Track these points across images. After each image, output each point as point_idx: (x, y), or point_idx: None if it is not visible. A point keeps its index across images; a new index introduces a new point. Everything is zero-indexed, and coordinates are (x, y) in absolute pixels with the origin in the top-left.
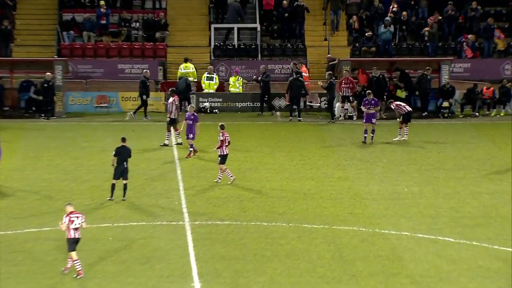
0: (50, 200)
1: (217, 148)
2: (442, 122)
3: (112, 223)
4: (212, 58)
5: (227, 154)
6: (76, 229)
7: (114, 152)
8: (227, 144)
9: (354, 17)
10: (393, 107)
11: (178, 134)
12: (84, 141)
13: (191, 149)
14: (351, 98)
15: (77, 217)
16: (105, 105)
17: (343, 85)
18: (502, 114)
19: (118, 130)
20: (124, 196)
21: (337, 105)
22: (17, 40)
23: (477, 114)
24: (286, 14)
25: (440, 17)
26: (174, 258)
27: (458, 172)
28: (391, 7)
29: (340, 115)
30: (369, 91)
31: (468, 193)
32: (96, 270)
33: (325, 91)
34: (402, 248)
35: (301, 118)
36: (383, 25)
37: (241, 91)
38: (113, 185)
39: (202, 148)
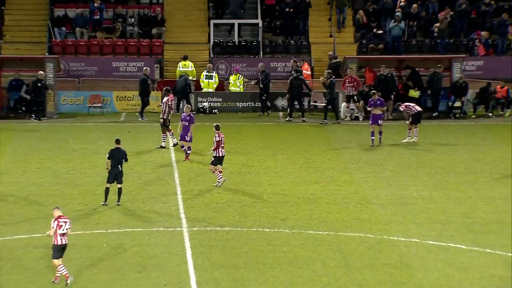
0: (40, 205)
1: (214, 149)
2: (453, 123)
3: (106, 229)
4: (212, 55)
5: (223, 156)
6: (63, 234)
7: (108, 155)
8: (223, 145)
9: (361, 11)
10: (402, 109)
11: (172, 135)
12: (76, 143)
13: (189, 151)
14: (355, 97)
15: (65, 222)
16: (99, 105)
17: (347, 84)
18: None
19: (112, 132)
20: (118, 201)
21: (343, 106)
22: (6, 36)
23: (490, 114)
24: (289, 9)
25: (452, 12)
26: (171, 266)
27: (470, 175)
28: (398, 1)
29: (346, 116)
30: (374, 91)
31: (480, 198)
32: (89, 279)
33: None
34: (411, 256)
35: (305, 118)
36: (392, 21)
37: (241, 90)
38: (107, 190)
39: (201, 150)
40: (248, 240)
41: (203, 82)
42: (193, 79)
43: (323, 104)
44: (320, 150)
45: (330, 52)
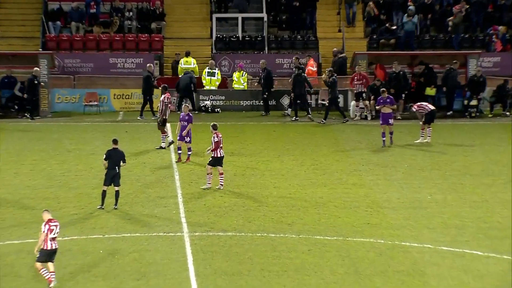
0: (33, 209)
1: (212, 150)
2: (469, 122)
3: (102, 234)
4: (214, 51)
5: (223, 157)
6: (53, 239)
7: (104, 156)
8: (221, 145)
9: (371, 3)
10: (415, 110)
11: (165, 137)
12: (71, 143)
13: (180, 151)
14: (364, 95)
15: (56, 225)
16: (95, 103)
17: (355, 82)
18: None
19: (109, 132)
20: (115, 204)
21: (352, 104)
22: None
23: (508, 113)
24: (296, 3)
25: (467, 6)
26: (171, 273)
27: (486, 178)
28: None
29: (356, 115)
30: (384, 88)
31: (497, 202)
32: (85, 286)
33: (339, 90)
34: (424, 263)
35: (311, 115)
36: (405, 15)
37: (245, 88)
38: (103, 192)
39: (202, 151)
40: (252, 245)
41: (205, 79)
42: (195, 76)
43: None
44: (328, 151)
45: (335, 48)
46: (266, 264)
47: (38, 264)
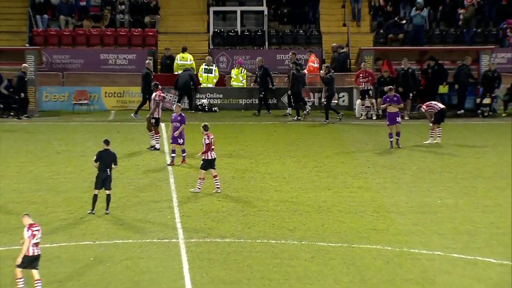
0: (20, 214)
1: (203, 153)
2: (481, 122)
3: (93, 241)
4: (211, 47)
5: (213, 159)
6: (36, 244)
7: (95, 157)
8: (213, 147)
9: None
10: (424, 110)
11: (153, 137)
12: (60, 144)
13: (174, 154)
14: (371, 92)
15: (38, 230)
16: (85, 102)
17: (360, 79)
18: None
19: (100, 132)
20: (107, 209)
21: (357, 103)
22: None
23: None
24: None
25: None
26: (166, 282)
27: (499, 181)
28: None
29: (361, 114)
30: (390, 86)
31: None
32: None
33: (344, 88)
34: (434, 271)
35: (300, 117)
36: (414, 8)
37: (244, 86)
38: (94, 197)
39: (198, 153)
40: (252, 253)
41: (202, 76)
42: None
43: (335, 101)
44: (332, 153)
45: (334, 43)
46: (267, 272)
47: (18, 271)
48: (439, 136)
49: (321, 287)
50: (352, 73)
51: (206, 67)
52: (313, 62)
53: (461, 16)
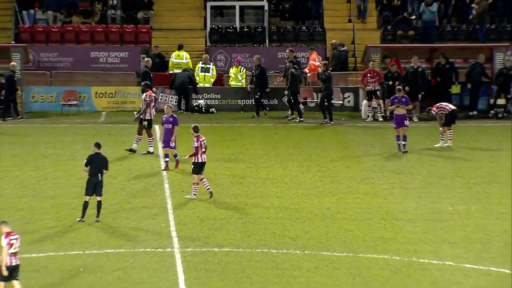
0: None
1: (190, 156)
2: (495, 124)
3: (83, 250)
4: (208, 44)
5: (204, 162)
6: (14, 254)
7: (85, 161)
8: (203, 150)
9: None
10: (435, 112)
11: (138, 141)
12: (48, 147)
13: (168, 159)
14: (378, 93)
15: (16, 239)
16: (75, 102)
17: (368, 79)
18: None
19: (90, 135)
20: (97, 216)
21: (363, 104)
22: None
23: None
24: None
25: None
26: None
27: None
28: None
29: (368, 116)
30: (399, 86)
31: None
32: None
33: (349, 88)
34: (445, 281)
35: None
36: (423, 3)
37: (244, 86)
38: (85, 203)
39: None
40: (252, 263)
41: (199, 76)
42: None
43: (340, 102)
44: (337, 156)
45: (334, 40)
46: (267, 283)
47: (2, 284)
48: (450, 139)
49: None
50: (355, 72)
51: (203, 65)
52: (314, 60)
53: (473, 12)
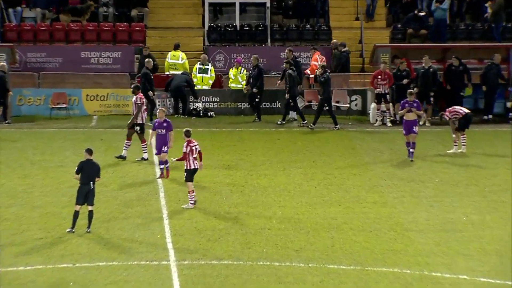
0: None
1: (177, 160)
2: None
3: (73, 263)
4: (207, 43)
5: (196, 169)
6: None
7: (76, 168)
8: (195, 155)
9: None
10: (448, 117)
11: (128, 147)
12: (36, 154)
13: (162, 166)
14: (387, 96)
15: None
16: (64, 106)
17: (379, 81)
18: None
19: (81, 140)
20: (89, 227)
21: (372, 107)
22: None
23: None
24: None
25: None
26: None
27: None
28: None
29: (376, 120)
30: (411, 90)
31: None
32: None
33: (357, 91)
34: None
35: (284, 122)
36: (434, 0)
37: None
38: (75, 213)
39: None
40: (253, 276)
41: (196, 77)
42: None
43: (347, 105)
44: (344, 163)
45: (335, 40)
46: None
47: None
48: (464, 145)
49: None
50: (363, 74)
51: (201, 66)
52: (316, 60)
53: (488, 9)
